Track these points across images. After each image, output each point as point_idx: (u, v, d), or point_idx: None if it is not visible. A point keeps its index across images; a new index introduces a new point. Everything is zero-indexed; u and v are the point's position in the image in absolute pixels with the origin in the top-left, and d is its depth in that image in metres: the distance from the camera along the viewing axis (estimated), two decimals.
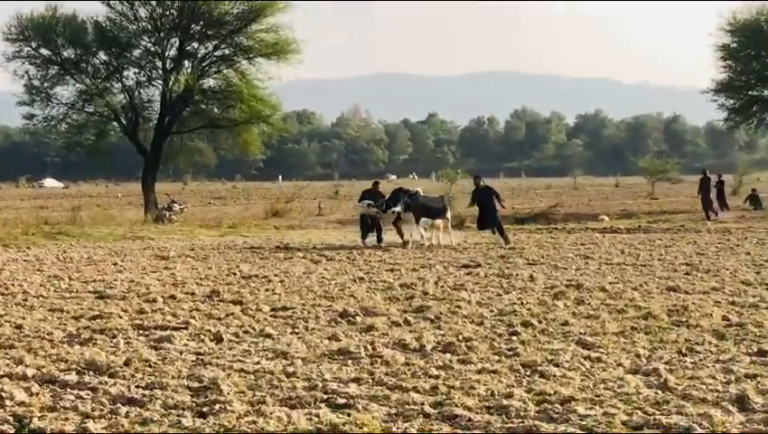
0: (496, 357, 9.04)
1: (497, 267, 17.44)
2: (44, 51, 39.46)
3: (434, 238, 23.74)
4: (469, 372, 8.35)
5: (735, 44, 45.55)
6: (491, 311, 11.90)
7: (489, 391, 7.61)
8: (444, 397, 7.47)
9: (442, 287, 14.58)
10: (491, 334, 10.32)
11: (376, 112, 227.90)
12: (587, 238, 24.80)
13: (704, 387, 7.69)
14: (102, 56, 40.28)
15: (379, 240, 23.81)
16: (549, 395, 7.47)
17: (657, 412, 6.93)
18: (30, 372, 8.47)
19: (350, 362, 8.90)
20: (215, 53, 40.17)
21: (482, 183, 24.77)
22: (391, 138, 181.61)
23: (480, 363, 8.76)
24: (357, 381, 8.06)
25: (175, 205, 37.06)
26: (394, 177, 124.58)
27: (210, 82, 40.86)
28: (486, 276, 16.04)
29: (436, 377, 8.19)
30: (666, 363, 8.62)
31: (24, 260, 20.42)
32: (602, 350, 9.30)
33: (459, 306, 12.25)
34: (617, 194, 60.56)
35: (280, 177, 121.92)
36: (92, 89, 39.34)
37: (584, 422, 6.72)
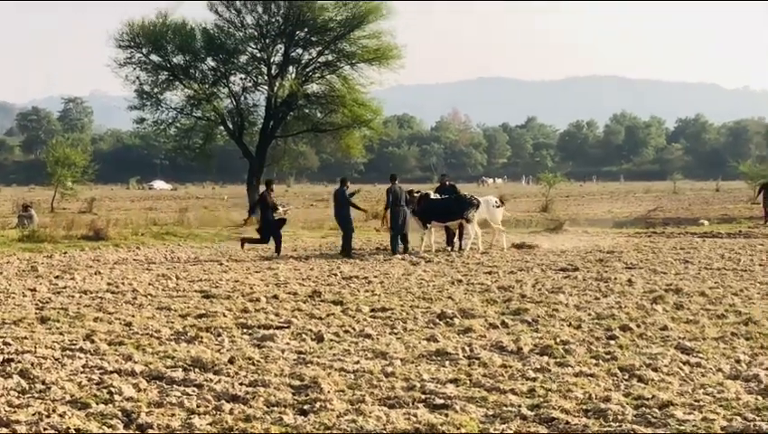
0: (594, 361, 8.92)
1: (595, 270, 17.20)
2: (155, 58, 40.23)
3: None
4: (566, 375, 8.26)
5: None
6: (589, 315, 11.75)
7: (586, 395, 7.51)
8: (541, 399, 7.40)
9: (539, 290, 14.44)
10: (588, 337, 10.19)
11: (475, 116, 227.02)
12: (687, 242, 24.27)
13: None
14: (210, 62, 40.90)
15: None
16: (647, 399, 7.34)
17: (757, 418, 6.76)
18: (138, 368, 8.65)
19: (447, 363, 8.88)
20: (319, 59, 40.42)
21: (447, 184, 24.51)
22: (490, 142, 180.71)
23: (577, 366, 8.65)
24: (455, 382, 8.04)
25: (279, 207, 37.40)
26: (490, 181, 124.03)
27: (313, 87, 41.11)
28: (584, 279, 15.82)
29: (534, 379, 8.12)
30: (766, 369, 8.39)
31: (134, 260, 20.87)
32: (701, 355, 9.10)
33: (556, 310, 12.12)
34: (717, 199, 59.11)
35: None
36: (200, 95, 39.97)
37: (682, 427, 6.58)
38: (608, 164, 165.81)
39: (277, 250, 22.20)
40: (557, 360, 8.94)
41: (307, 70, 40.51)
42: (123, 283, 15.81)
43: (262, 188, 43.26)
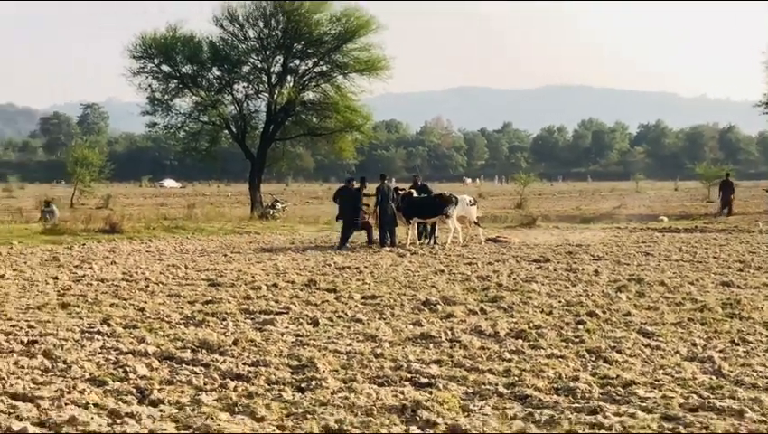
0: (564, 344, 8.95)
1: (565, 262, 17.23)
2: (165, 68, 40.15)
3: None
4: (539, 357, 8.29)
5: None
6: (560, 302, 11.78)
7: (557, 374, 7.54)
8: (516, 379, 7.43)
9: (515, 279, 14.47)
10: (559, 322, 10.22)
11: (456, 122, 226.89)
12: (648, 236, 24.34)
13: (755, 374, 7.52)
14: (215, 72, 40.82)
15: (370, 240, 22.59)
16: (612, 379, 7.38)
17: (711, 396, 6.80)
18: (151, 349, 8.65)
19: (431, 345, 8.90)
20: (314, 69, 40.38)
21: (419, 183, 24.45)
22: (470, 145, 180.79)
23: (549, 348, 8.69)
24: (438, 362, 8.06)
25: (278, 204, 37.48)
26: (470, 180, 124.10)
27: (309, 95, 41.05)
28: (555, 270, 15.86)
29: (509, 361, 8.14)
30: (720, 352, 8.44)
31: (147, 251, 20.84)
32: (661, 339, 9.15)
33: (530, 297, 12.16)
34: (676, 197, 59.30)
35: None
36: (207, 101, 39.95)
37: (644, 404, 6.62)
38: (577, 165, 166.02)
39: (343, 242, 22.05)
40: (531, 343, 8.97)
41: (304, 79, 40.48)
42: (136, 272, 15.80)
43: (263, 186, 43.57)
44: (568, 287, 13.36)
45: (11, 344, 8.95)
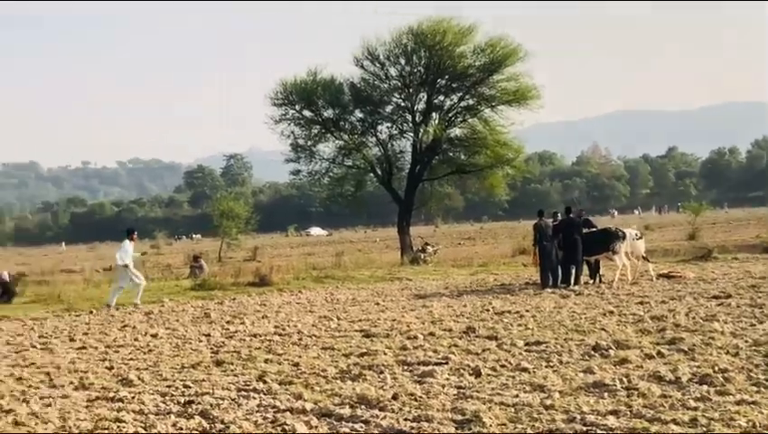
0: (754, 388, 8.55)
1: (748, 297, 16.53)
2: (307, 113, 41.24)
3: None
4: (727, 404, 7.94)
5: None
6: (746, 342, 11.29)
7: (750, 423, 7.20)
8: (704, 429, 7.14)
9: (693, 318, 13.97)
10: (747, 364, 9.78)
11: (615, 149, 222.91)
12: None
13: None
14: (358, 114, 41.62)
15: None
16: None
17: None
18: (308, 406, 8.76)
19: (606, 394, 8.67)
20: (460, 104, 40.57)
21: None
22: (632, 174, 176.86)
23: (738, 394, 8.31)
24: (615, 413, 7.83)
25: (429, 247, 37.61)
26: (615, 212, 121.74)
27: (456, 131, 41.27)
28: (738, 306, 15.23)
29: (695, 409, 7.83)
30: None
31: (297, 303, 21.25)
32: None
33: (712, 338, 11.69)
34: None
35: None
36: (350, 145, 40.75)
37: None
38: (754, 189, 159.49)
39: (566, 280, 21.98)
40: (717, 388, 8.61)
41: (449, 115, 40.71)
42: (288, 325, 16.12)
43: (412, 229, 43.85)
44: (755, 325, 12.79)
45: (168, 405, 9.26)
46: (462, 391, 9.29)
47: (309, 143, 41.79)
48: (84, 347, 14.49)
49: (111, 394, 9.93)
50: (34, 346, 14.95)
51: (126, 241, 22.95)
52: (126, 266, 22.57)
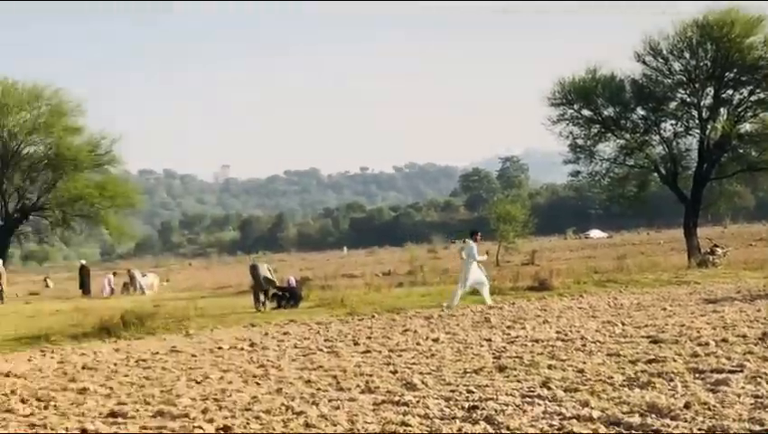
0: None
1: None
2: (586, 112, 40.83)
3: None
4: None
5: None
6: None
7: None
8: None
9: None
10: None
11: None
12: None
13: None
14: (640, 111, 40.77)
15: None
16: None
17: None
18: (595, 414, 8.59)
19: None
20: (750, 98, 38.71)
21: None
22: None
23: None
24: None
25: (718, 249, 36.03)
26: None
27: (746, 127, 39.36)
28: None
29: None
30: None
31: (579, 308, 20.96)
32: None
33: None
34: None
35: None
36: (632, 144, 39.90)
37: None
38: None
39: None
40: None
41: (739, 109, 38.92)
42: (571, 331, 15.93)
43: (699, 231, 42.14)
44: None
45: (452, 409, 9.39)
46: (759, 400, 8.78)
47: (588, 143, 41.39)
48: (368, 351, 14.95)
49: (396, 398, 10.17)
50: (321, 350, 15.58)
51: (470, 242, 23.53)
52: (479, 263, 23.28)
